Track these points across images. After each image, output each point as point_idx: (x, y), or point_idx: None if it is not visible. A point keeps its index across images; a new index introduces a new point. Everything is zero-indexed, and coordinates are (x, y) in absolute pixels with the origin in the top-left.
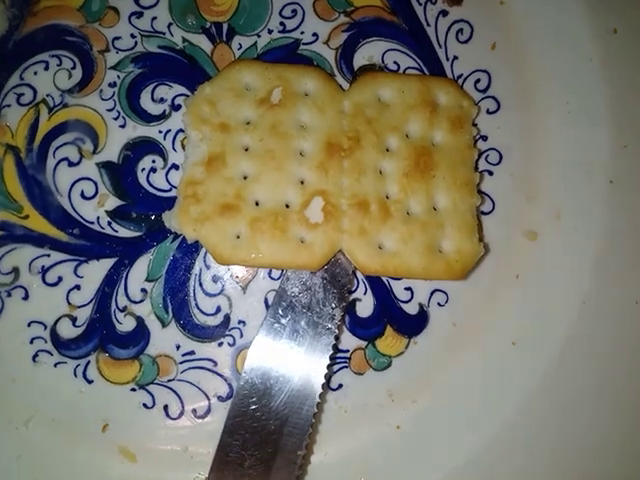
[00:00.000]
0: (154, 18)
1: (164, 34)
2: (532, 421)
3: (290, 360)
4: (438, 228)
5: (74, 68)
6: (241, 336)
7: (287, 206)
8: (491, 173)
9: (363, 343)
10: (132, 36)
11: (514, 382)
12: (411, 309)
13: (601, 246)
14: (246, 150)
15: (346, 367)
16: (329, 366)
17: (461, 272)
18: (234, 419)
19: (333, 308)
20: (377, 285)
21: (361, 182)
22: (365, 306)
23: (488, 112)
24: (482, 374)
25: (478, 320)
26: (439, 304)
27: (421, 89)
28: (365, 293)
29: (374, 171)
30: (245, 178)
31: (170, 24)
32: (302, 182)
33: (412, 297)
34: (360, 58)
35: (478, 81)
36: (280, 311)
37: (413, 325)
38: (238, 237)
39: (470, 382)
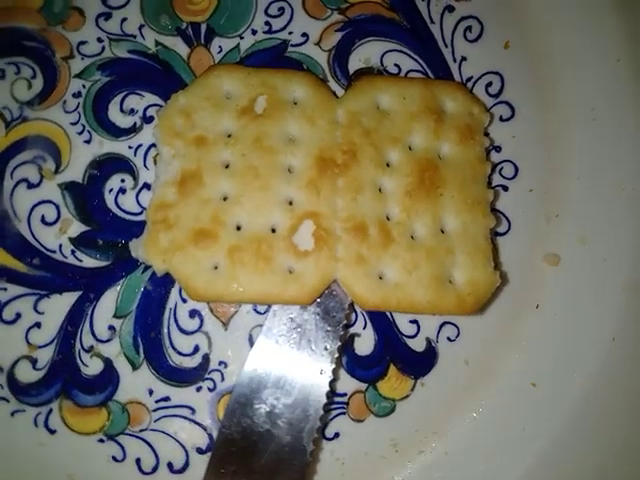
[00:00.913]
0: (124, 20)
1: (135, 37)
2: (554, 474)
3: (277, 411)
4: (447, 255)
5: (34, 77)
6: (222, 379)
7: (273, 231)
8: (506, 189)
9: (363, 385)
10: (99, 40)
11: (534, 429)
12: (417, 345)
13: (633, 272)
14: (226, 167)
15: (343, 413)
16: (324, 414)
17: (474, 306)
18: None
19: (327, 348)
20: (378, 318)
21: (358, 202)
22: (365, 343)
23: (501, 119)
24: (498, 420)
25: (493, 358)
26: (449, 339)
27: (425, 95)
28: (365, 327)
29: (373, 189)
30: (225, 199)
31: (142, 26)
32: (290, 203)
33: (418, 331)
34: (356, 61)
35: (490, 84)
36: (265, 353)
37: (420, 364)
38: (216, 268)
39: (484, 429)
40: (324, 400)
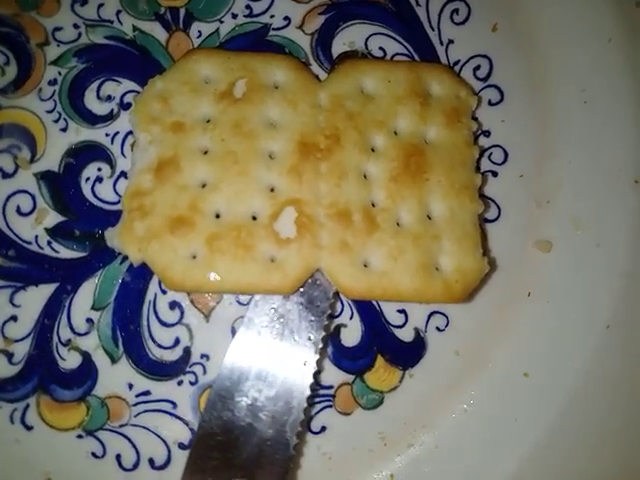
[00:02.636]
0: (101, 5)
1: (112, 23)
2: (547, 466)
3: (259, 404)
4: (434, 241)
5: (8, 64)
6: (204, 373)
7: (254, 218)
8: (495, 174)
9: (350, 377)
10: (75, 26)
11: (527, 420)
12: (405, 335)
13: (627, 258)
14: (205, 153)
15: (330, 406)
16: (308, 407)
17: (462, 294)
18: (190, 477)
19: (311, 339)
20: (365, 308)
21: (341, 188)
22: (351, 333)
23: (490, 103)
24: (489, 411)
25: (484, 347)
26: (438, 329)
27: (410, 78)
28: (351, 318)
29: (357, 175)
30: (203, 186)
31: (119, 11)
32: (271, 190)
33: (406, 321)
34: (340, 44)
35: (478, 68)
36: (247, 344)
37: (408, 354)
38: (194, 257)
39: (476, 421)
40: (308, 392)
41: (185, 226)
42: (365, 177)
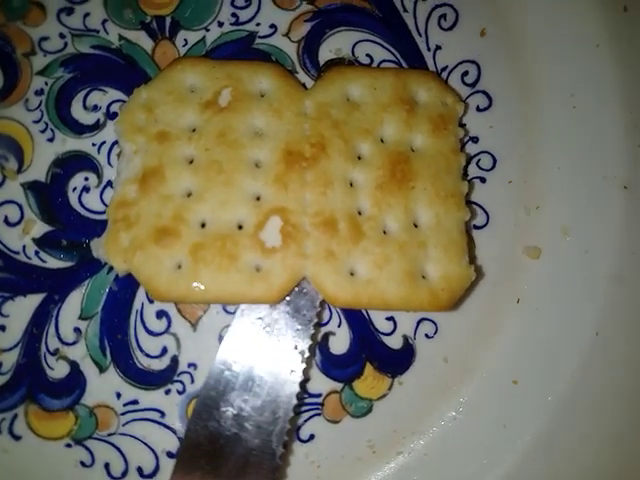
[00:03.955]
0: (87, 15)
1: (98, 32)
2: (537, 473)
3: (244, 414)
4: (420, 249)
5: None
6: (192, 382)
7: (240, 228)
8: (484, 180)
9: (338, 385)
10: (61, 36)
11: (516, 428)
12: (394, 343)
13: (615, 264)
14: (190, 163)
15: (318, 414)
16: (296, 416)
17: (448, 302)
18: None
19: (297, 347)
20: (354, 316)
21: (327, 197)
22: (340, 341)
23: (478, 109)
24: (478, 418)
25: (473, 355)
26: (427, 336)
27: (396, 85)
28: (339, 325)
29: (342, 183)
30: (188, 196)
31: (105, 20)
32: (257, 199)
33: (395, 328)
34: (326, 51)
35: (466, 74)
36: (232, 355)
37: (397, 362)
38: (179, 267)
39: (465, 429)
40: (294, 401)
41: (170, 236)
42: (351, 185)
